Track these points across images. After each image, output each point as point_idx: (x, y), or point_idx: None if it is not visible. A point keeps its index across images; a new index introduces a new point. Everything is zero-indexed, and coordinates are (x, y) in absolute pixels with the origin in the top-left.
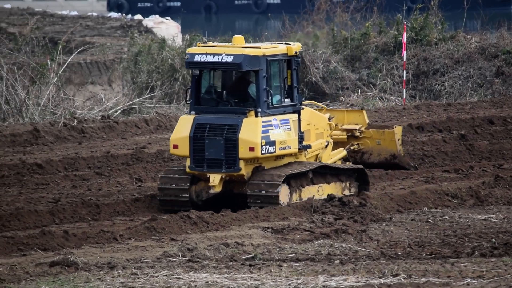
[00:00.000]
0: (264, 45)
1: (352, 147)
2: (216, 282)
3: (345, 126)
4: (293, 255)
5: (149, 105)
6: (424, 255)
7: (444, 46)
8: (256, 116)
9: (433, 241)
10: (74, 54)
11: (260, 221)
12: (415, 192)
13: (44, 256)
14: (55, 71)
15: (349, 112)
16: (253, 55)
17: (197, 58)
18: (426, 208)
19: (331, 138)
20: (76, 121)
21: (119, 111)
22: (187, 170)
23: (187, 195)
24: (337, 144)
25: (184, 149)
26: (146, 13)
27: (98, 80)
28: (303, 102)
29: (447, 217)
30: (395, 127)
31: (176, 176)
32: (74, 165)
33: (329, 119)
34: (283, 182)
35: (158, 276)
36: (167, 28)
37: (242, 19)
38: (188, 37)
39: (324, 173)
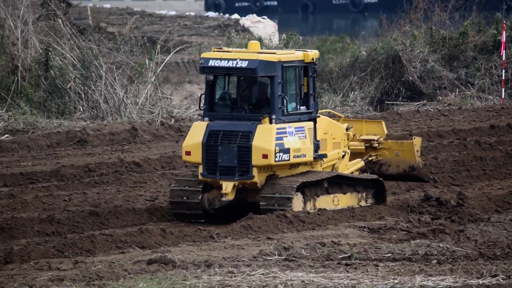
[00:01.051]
0: (280, 51)
1: (370, 158)
2: (313, 281)
3: (363, 137)
4: (390, 254)
5: None
6: None
7: None
8: (271, 123)
9: None
10: (172, 54)
11: (356, 221)
12: None
13: (142, 254)
14: (153, 70)
15: (367, 122)
16: (268, 61)
17: (211, 63)
18: None
19: (348, 149)
20: (173, 120)
21: None
22: (200, 177)
23: (199, 203)
24: (355, 155)
25: (196, 156)
26: (243, 12)
27: (195, 79)
28: (320, 111)
29: None
30: (414, 138)
31: (188, 184)
32: (171, 164)
33: (347, 129)
34: (297, 190)
35: (254, 274)
36: (264, 27)
37: (339, 18)
38: (285, 37)
39: (339, 183)
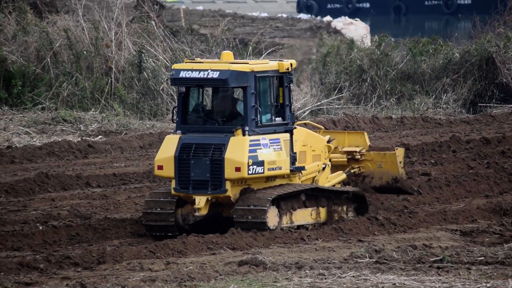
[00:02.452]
0: (253, 61)
1: (352, 170)
2: (404, 284)
3: (345, 149)
4: (482, 258)
5: (337, 106)
6: None
7: None
8: (244, 135)
9: None
10: (263, 55)
11: (448, 224)
12: None
13: (233, 255)
14: None
15: (349, 134)
16: (240, 71)
17: (182, 74)
18: None
19: (330, 161)
20: None
21: (307, 112)
22: (172, 192)
23: (173, 220)
24: (337, 167)
25: (169, 170)
26: (335, 14)
27: None
28: (299, 122)
29: None
30: (397, 149)
31: (161, 199)
32: None
33: (329, 141)
34: (272, 204)
35: (345, 277)
36: (356, 29)
37: (431, 20)
38: (377, 38)
39: (317, 196)
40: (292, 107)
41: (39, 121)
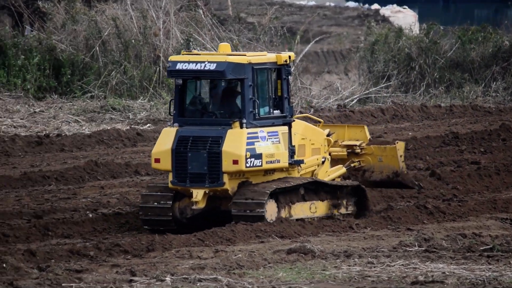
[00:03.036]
0: (251, 53)
1: (352, 164)
2: (453, 273)
3: (345, 142)
4: None
5: (385, 94)
6: None
7: None
8: (241, 127)
9: None
10: (311, 44)
11: (498, 212)
12: None
13: (281, 244)
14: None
15: (349, 127)
16: (237, 63)
17: (179, 66)
18: None
19: (329, 155)
20: (312, 109)
21: (355, 100)
22: (170, 185)
23: (170, 213)
24: (337, 161)
25: (166, 163)
26: (383, 2)
27: (334, 69)
28: (298, 116)
29: None
30: (397, 142)
31: (159, 193)
32: None
33: (329, 134)
34: (271, 197)
35: (394, 265)
36: (404, 17)
37: (481, 8)
38: (425, 26)
39: (317, 189)
40: (291, 99)
41: (88, 110)
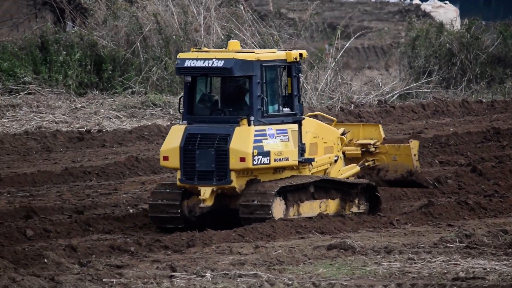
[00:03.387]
0: (259, 50)
1: (366, 163)
2: (495, 269)
3: (359, 141)
4: None
5: (426, 90)
6: None
7: None
8: (249, 125)
9: None
10: (352, 39)
11: None
12: None
13: (321, 239)
14: (333, 56)
15: (364, 126)
16: (245, 60)
17: (187, 63)
18: None
19: (343, 153)
20: (353, 105)
21: (396, 96)
22: (178, 183)
23: (179, 211)
24: (352, 160)
25: (174, 161)
26: None
27: (375, 64)
28: (309, 114)
29: None
30: (411, 141)
31: (167, 190)
32: None
33: (344, 133)
34: (278, 195)
35: (435, 261)
36: (445, 12)
37: None
38: (467, 22)
39: (327, 188)
40: (301, 97)
41: (129, 105)
